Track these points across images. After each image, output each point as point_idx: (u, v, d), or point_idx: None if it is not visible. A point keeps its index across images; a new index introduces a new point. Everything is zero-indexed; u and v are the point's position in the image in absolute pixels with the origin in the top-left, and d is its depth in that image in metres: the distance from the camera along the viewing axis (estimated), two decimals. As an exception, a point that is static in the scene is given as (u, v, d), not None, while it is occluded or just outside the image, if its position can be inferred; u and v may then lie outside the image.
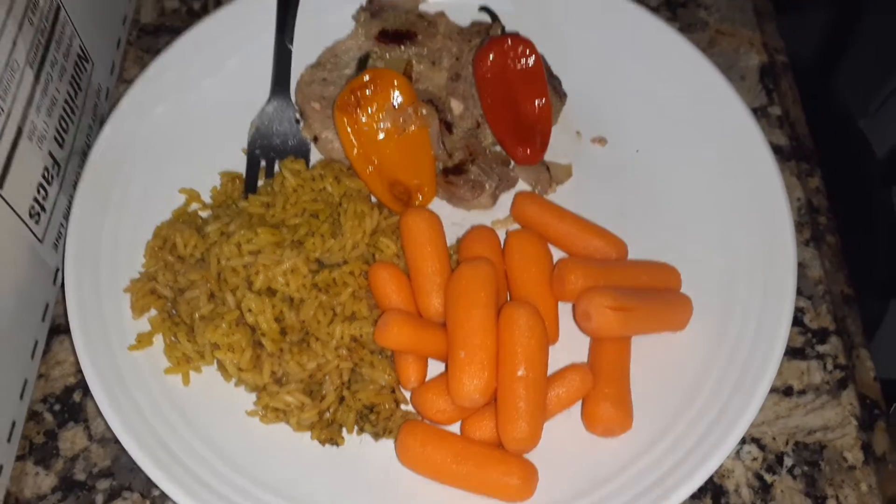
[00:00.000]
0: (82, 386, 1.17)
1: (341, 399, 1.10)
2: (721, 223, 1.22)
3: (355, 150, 1.21)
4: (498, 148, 1.28)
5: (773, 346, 1.10)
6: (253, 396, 1.12)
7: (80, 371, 1.13)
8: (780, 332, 1.10)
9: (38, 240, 1.16)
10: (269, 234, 1.13)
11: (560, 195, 1.27)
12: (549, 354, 1.05)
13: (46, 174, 1.18)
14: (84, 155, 1.28)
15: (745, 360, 1.10)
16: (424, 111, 1.21)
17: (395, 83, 1.19)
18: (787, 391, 1.18)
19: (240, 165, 1.28)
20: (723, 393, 1.08)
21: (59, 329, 1.22)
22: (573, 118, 1.32)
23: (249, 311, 1.09)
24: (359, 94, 1.19)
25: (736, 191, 1.23)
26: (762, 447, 1.13)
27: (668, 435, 1.06)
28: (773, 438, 1.14)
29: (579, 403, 1.09)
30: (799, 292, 1.18)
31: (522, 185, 1.28)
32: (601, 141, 1.31)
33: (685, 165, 1.27)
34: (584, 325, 1.09)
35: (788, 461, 1.12)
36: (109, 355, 1.11)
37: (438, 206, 1.25)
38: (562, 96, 1.31)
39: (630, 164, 1.29)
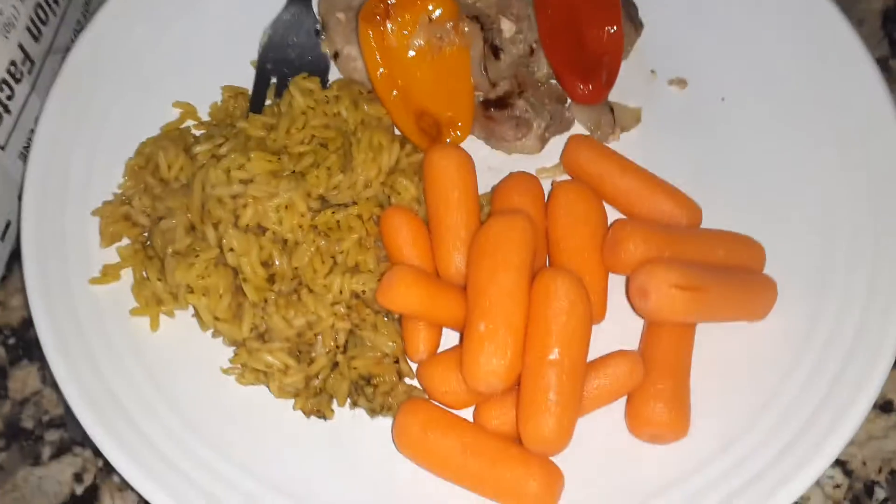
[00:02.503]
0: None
1: (334, 365, 0.96)
2: (820, 194, 1.05)
3: (380, 71, 1.06)
4: (553, 81, 1.13)
5: (879, 348, 0.93)
6: (231, 352, 0.96)
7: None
8: (890, 332, 0.93)
9: (0, 146, 1.00)
10: (263, 159, 0.97)
11: (623, 143, 1.11)
12: (591, 336, 0.89)
13: (14, 69, 1.02)
14: (67, 53, 1.12)
15: (841, 364, 0.94)
16: (467, 28, 1.07)
17: (434, -10, 1.04)
18: (885, 406, 1.02)
19: (247, 80, 1.13)
20: (809, 403, 0.93)
21: (23, 252, 1.08)
22: (648, 53, 1.16)
23: (231, 250, 0.93)
24: (388, 1, 1.03)
25: (844, 158, 1.06)
26: (848, 473, 0.99)
27: (733, 449, 0.92)
28: (864, 463, 1.00)
29: (623, 399, 0.93)
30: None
31: (579, 129, 1.13)
32: (680, 83, 1.15)
33: (780, 121, 1.11)
34: (639, 305, 0.93)
35: (880, 493, 0.98)
36: (65, 287, 0.98)
37: (474, 145, 1.10)
38: (638, 26, 1.16)
39: (713, 113, 1.13)
